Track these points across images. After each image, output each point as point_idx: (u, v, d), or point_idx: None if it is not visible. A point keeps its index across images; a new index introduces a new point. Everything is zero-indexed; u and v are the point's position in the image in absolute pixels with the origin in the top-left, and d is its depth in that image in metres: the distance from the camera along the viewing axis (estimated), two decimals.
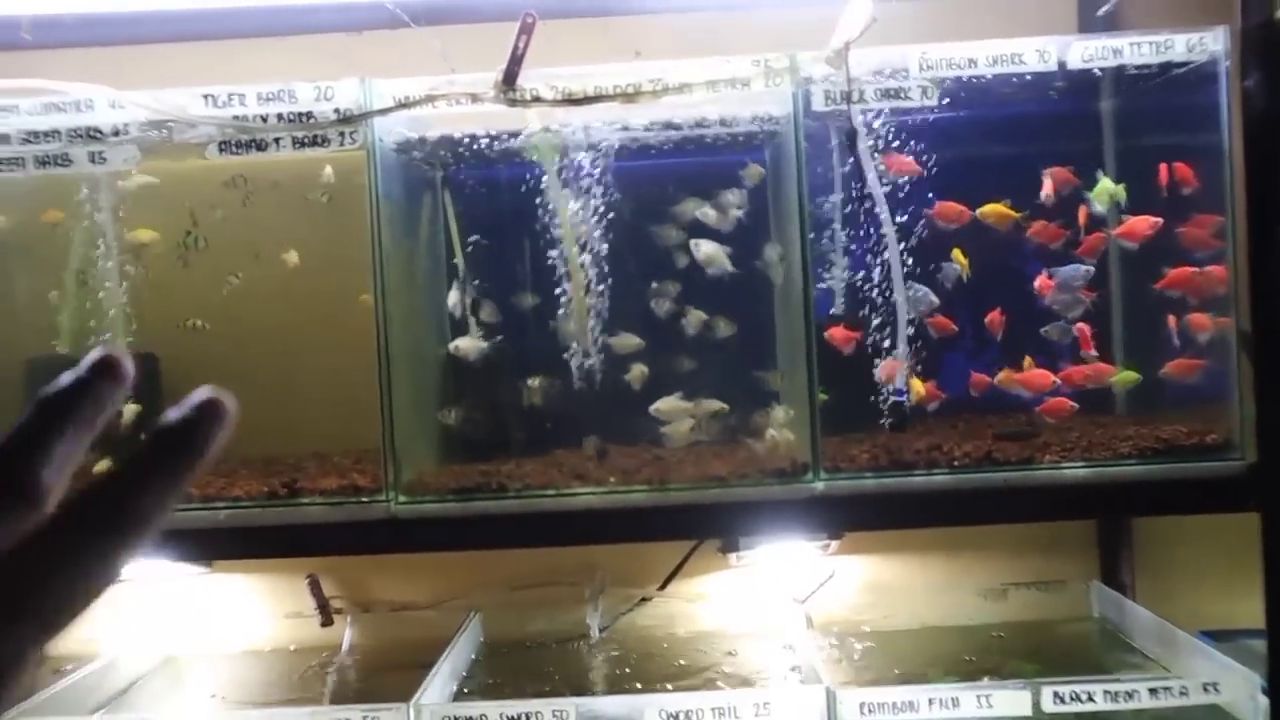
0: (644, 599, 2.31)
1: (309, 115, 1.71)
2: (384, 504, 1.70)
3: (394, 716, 1.73)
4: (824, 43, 1.66)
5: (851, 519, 1.74)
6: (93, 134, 1.72)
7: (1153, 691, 1.65)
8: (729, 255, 1.83)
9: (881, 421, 1.74)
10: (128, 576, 1.90)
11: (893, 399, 1.71)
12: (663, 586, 2.31)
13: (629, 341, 1.80)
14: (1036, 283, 1.81)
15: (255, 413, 1.91)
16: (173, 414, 0.50)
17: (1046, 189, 1.77)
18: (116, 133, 1.72)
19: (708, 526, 1.75)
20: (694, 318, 1.83)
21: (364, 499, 1.71)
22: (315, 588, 2.27)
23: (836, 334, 1.72)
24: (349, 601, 2.32)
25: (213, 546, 1.73)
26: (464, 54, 2.25)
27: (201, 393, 0.51)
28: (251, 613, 2.35)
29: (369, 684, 2.15)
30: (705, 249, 1.83)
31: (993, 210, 1.77)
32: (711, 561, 2.31)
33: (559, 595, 2.30)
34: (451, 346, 1.91)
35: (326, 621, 2.28)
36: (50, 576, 0.45)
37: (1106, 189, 1.77)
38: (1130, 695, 1.66)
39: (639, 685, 2.01)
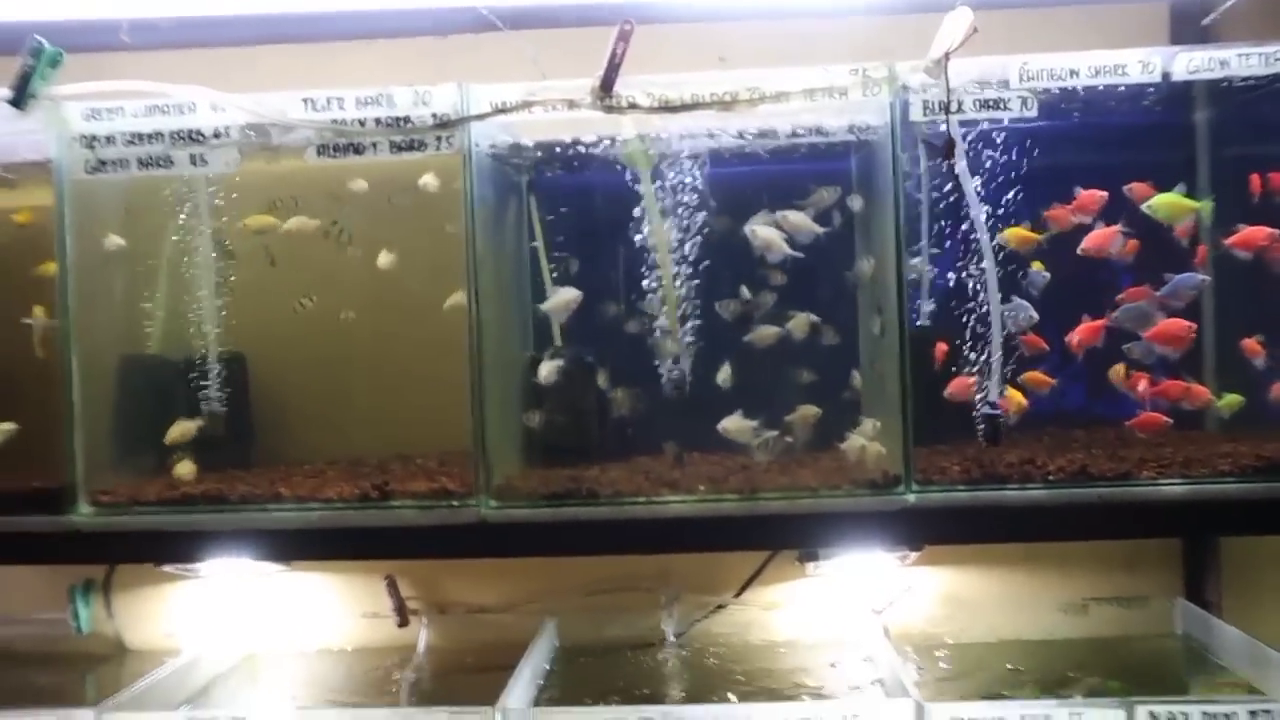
0: (719, 606, 2.30)
1: (406, 120, 1.72)
2: (475, 508, 1.71)
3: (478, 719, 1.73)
4: (898, 53, 1.65)
5: (943, 532, 1.72)
6: (194, 136, 1.74)
7: (1253, 714, 1.62)
8: (800, 249, 1.81)
9: (978, 435, 1.72)
10: (208, 573, 1.93)
11: (986, 412, 1.69)
12: (738, 594, 2.30)
13: (767, 333, 1.79)
14: (1130, 292, 1.80)
15: (340, 414, 1.93)
16: None
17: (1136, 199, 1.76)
18: (217, 135, 1.74)
19: (798, 536, 1.74)
20: (798, 322, 1.82)
21: (455, 503, 1.72)
22: (393, 588, 2.28)
23: (941, 349, 1.70)
24: (425, 603, 2.33)
25: (306, 547, 1.75)
26: (546, 59, 2.27)
27: None
28: (328, 611, 2.37)
29: (446, 685, 2.16)
30: (762, 234, 1.81)
31: (1013, 234, 1.76)
32: (787, 570, 2.30)
33: (633, 601, 2.29)
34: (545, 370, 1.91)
35: (403, 622, 2.29)
36: None
37: (1172, 201, 1.75)
38: (1229, 718, 1.63)
39: (714, 693, 2.00)
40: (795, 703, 1.85)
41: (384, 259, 1.93)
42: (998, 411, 1.68)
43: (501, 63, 2.24)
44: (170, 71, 1.81)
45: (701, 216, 1.82)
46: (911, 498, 1.67)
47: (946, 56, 1.61)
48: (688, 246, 1.81)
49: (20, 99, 1.73)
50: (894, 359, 1.68)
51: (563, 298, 1.84)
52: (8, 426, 1.82)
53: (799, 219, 1.78)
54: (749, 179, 1.87)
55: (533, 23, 2.25)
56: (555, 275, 2.01)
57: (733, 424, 1.79)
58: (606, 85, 1.67)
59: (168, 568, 2.31)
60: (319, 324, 2.03)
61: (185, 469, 1.79)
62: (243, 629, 2.33)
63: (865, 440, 1.76)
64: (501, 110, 1.70)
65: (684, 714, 1.71)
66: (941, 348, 1.71)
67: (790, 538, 1.78)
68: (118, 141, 1.75)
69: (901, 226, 1.66)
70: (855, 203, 1.84)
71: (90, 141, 1.75)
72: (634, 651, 2.25)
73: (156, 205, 1.89)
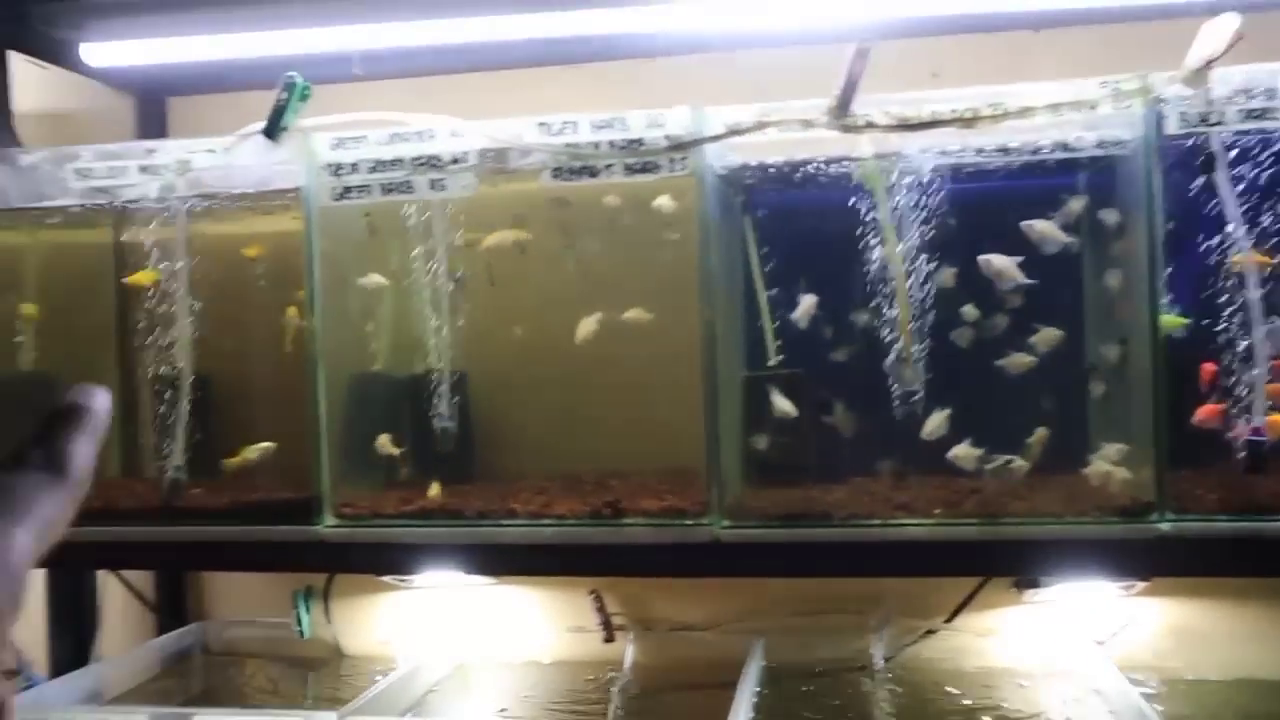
0: (929, 631, 2.25)
1: (639, 142, 1.74)
2: (708, 527, 1.71)
3: None
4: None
5: (1194, 563, 1.64)
6: (433, 162, 1.80)
7: None
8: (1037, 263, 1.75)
9: (1239, 462, 1.64)
10: (421, 584, 2.00)
11: (1250, 438, 1.61)
12: (949, 619, 2.25)
13: (1021, 360, 1.74)
14: None
15: (555, 431, 1.96)
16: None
17: None
18: (455, 160, 1.80)
19: (1038, 563, 1.68)
20: (1044, 337, 1.76)
21: (688, 522, 1.72)
22: (599, 604, 2.31)
23: (1207, 370, 1.63)
24: (630, 619, 2.35)
25: (538, 562, 1.78)
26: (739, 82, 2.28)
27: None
28: (534, 624, 2.41)
29: (654, 703, 2.17)
30: (996, 263, 1.76)
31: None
32: (1001, 596, 2.23)
33: (841, 623, 2.26)
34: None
35: (609, 638, 2.31)
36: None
37: None
38: None
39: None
40: None
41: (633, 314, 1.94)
42: (1262, 438, 1.60)
43: (706, 87, 2.26)
44: (395, 100, 1.88)
45: (932, 235, 1.78)
46: (1165, 526, 1.60)
47: (1209, 65, 1.54)
48: (919, 266, 1.78)
49: (273, 131, 1.82)
50: (1146, 380, 1.61)
51: (806, 305, 1.83)
52: (267, 445, 1.90)
53: (1046, 227, 1.73)
54: (985, 197, 1.82)
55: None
56: (771, 296, 1.99)
57: (961, 452, 1.75)
58: (843, 105, 1.66)
59: (387, 578, 2.40)
60: (536, 343, 2.06)
61: (434, 490, 1.84)
62: (453, 639, 2.39)
63: (1109, 465, 1.70)
64: (736, 132, 1.71)
65: None
66: (1209, 368, 1.64)
67: (1030, 564, 1.73)
68: (361, 169, 1.82)
69: (1157, 243, 1.60)
70: (1110, 216, 1.77)
71: (336, 169, 1.82)
72: (842, 674, 2.22)
73: (393, 229, 1.95)
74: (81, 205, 1.92)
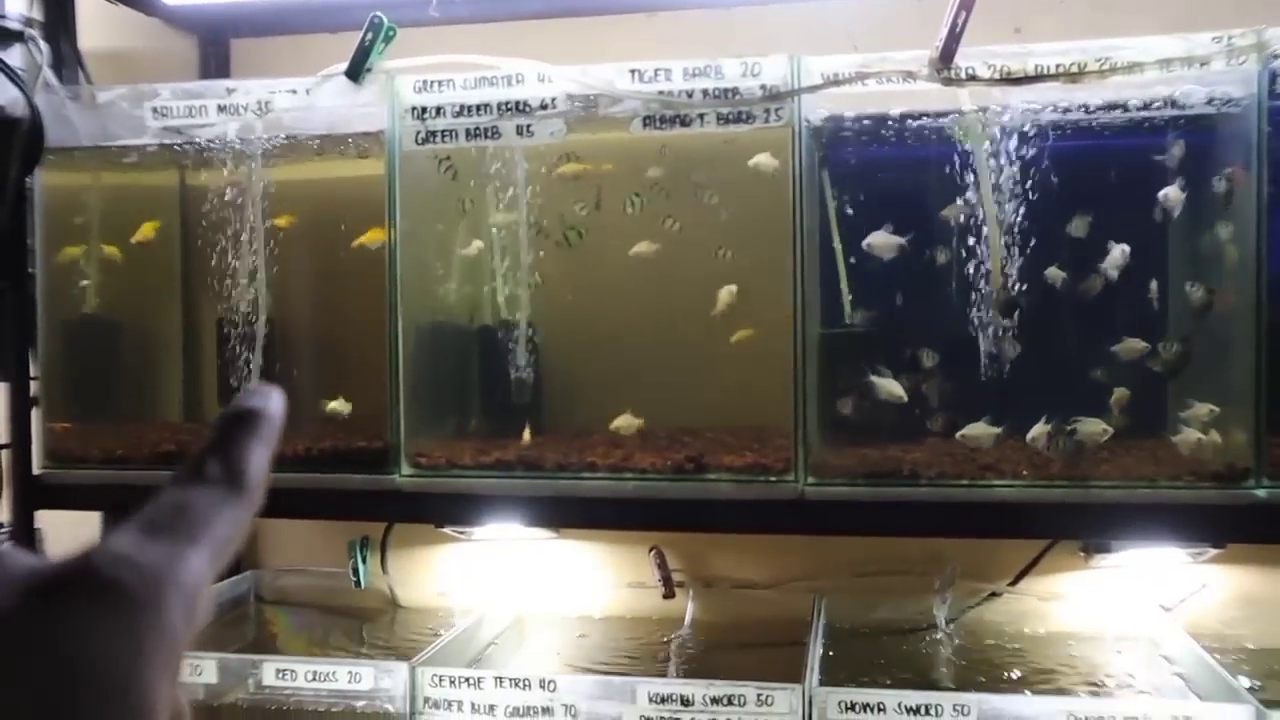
0: (993, 594, 2.24)
1: (735, 91, 1.71)
2: (793, 484, 1.70)
3: (787, 696, 1.73)
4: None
5: None
6: (521, 107, 1.77)
7: None
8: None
9: None
10: (480, 536, 1.99)
11: None
12: (1013, 582, 2.24)
13: (1133, 346, 1.71)
14: None
15: (623, 387, 1.93)
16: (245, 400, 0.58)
17: None
18: (544, 106, 1.76)
19: (1129, 527, 1.66)
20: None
21: (772, 478, 1.71)
22: (660, 560, 2.30)
23: None
24: (690, 576, 2.34)
25: (619, 516, 1.77)
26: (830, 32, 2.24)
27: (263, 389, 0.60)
28: (593, 579, 2.40)
29: (715, 659, 2.17)
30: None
31: None
32: (1067, 560, 2.22)
33: (903, 584, 2.25)
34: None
35: (669, 594, 2.30)
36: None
37: None
38: None
39: (1002, 683, 1.95)
40: (1122, 699, 1.79)
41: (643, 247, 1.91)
42: None
43: (784, 36, 2.22)
44: (468, 45, 1.85)
45: (1029, 192, 1.75)
46: (1261, 493, 1.58)
47: None
48: (1013, 224, 1.75)
49: (357, 72, 1.79)
50: (1248, 341, 1.59)
51: (889, 241, 1.78)
52: (340, 405, 1.89)
53: (1175, 195, 1.69)
54: (1084, 153, 1.79)
55: None
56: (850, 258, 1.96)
57: (974, 431, 1.73)
58: (946, 56, 1.63)
59: (447, 529, 2.39)
60: (610, 297, 2.03)
61: (527, 437, 1.83)
62: (511, 592, 2.38)
63: (1199, 430, 1.68)
64: (835, 83, 1.67)
65: (998, 704, 1.66)
66: None
67: (1117, 528, 1.71)
68: (446, 113, 1.79)
69: (1264, 201, 1.57)
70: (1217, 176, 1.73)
71: (420, 113, 1.79)
72: (905, 635, 2.22)
73: (470, 177, 1.92)
74: (163, 144, 1.89)
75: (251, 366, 1.92)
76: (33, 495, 1.89)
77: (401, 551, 2.46)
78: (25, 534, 1.89)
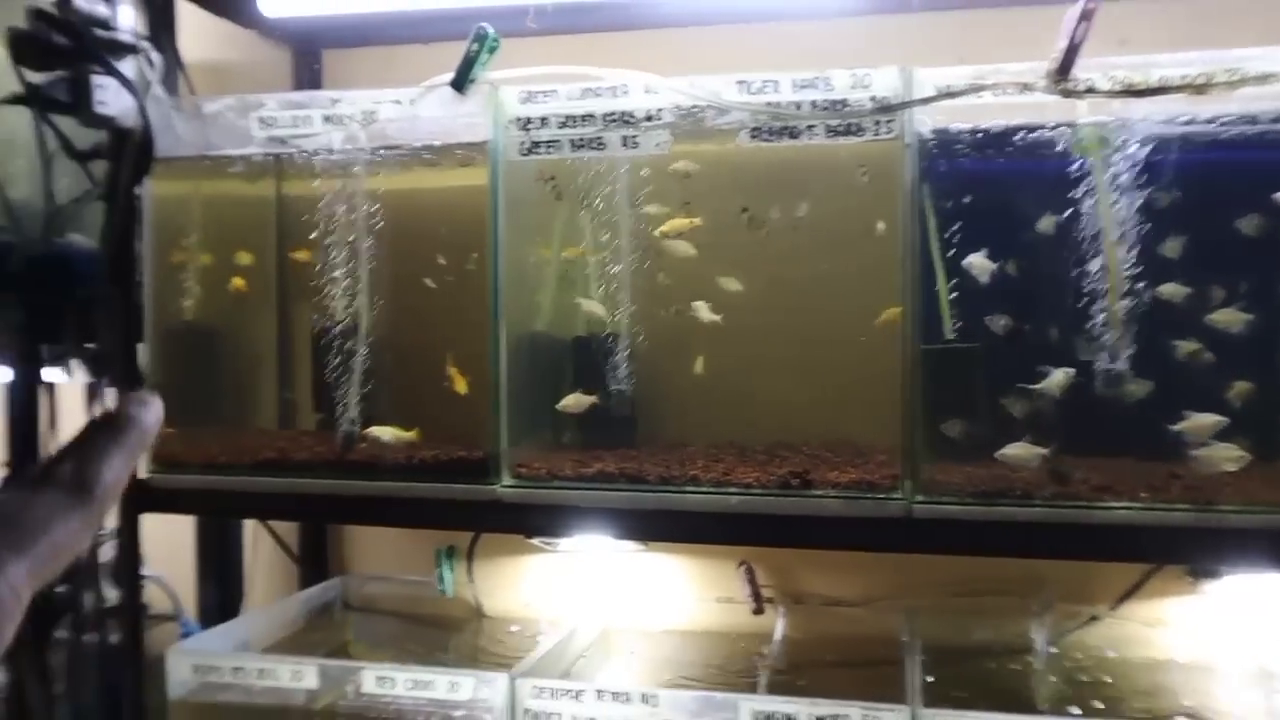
0: (1093, 618, 2.19)
1: (844, 103, 1.68)
2: (902, 502, 1.67)
3: (894, 718, 1.69)
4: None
5: None
6: (626, 119, 1.76)
7: None
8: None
9: None
10: (567, 548, 1.97)
11: None
12: (1114, 607, 2.18)
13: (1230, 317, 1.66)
14: None
15: (717, 399, 1.90)
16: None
17: None
18: (649, 118, 1.75)
19: (1255, 553, 1.61)
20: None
21: (880, 495, 1.68)
22: (750, 575, 2.27)
23: None
24: (780, 592, 2.31)
25: (720, 530, 1.74)
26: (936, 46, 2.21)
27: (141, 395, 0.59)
28: (680, 593, 2.39)
29: (807, 677, 2.13)
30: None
31: None
32: (1172, 585, 2.16)
33: (998, 605, 2.21)
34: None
35: (758, 609, 2.27)
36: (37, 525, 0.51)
37: None
38: None
39: (1110, 710, 1.90)
40: None
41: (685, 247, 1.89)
42: None
43: (885, 48, 2.20)
44: (564, 56, 1.84)
45: (1147, 206, 1.70)
46: None
47: None
48: (1132, 238, 1.70)
49: (461, 82, 1.79)
50: None
51: (985, 264, 1.75)
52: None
53: None
54: (1205, 167, 1.74)
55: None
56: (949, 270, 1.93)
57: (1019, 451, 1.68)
58: (1064, 68, 1.59)
59: (535, 540, 2.38)
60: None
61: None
62: (597, 604, 2.37)
63: None
64: (948, 94, 1.64)
65: None
66: None
67: (1240, 553, 1.65)
68: (551, 124, 1.78)
69: None
70: None
71: (525, 124, 1.79)
72: (1001, 658, 2.17)
73: (573, 190, 1.91)
74: (267, 154, 1.91)
75: (350, 376, 1.92)
76: (139, 499, 1.91)
77: (488, 561, 2.46)
78: (130, 537, 1.92)
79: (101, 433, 0.56)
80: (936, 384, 1.83)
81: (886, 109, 1.66)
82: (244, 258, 2.11)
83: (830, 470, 1.75)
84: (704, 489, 1.75)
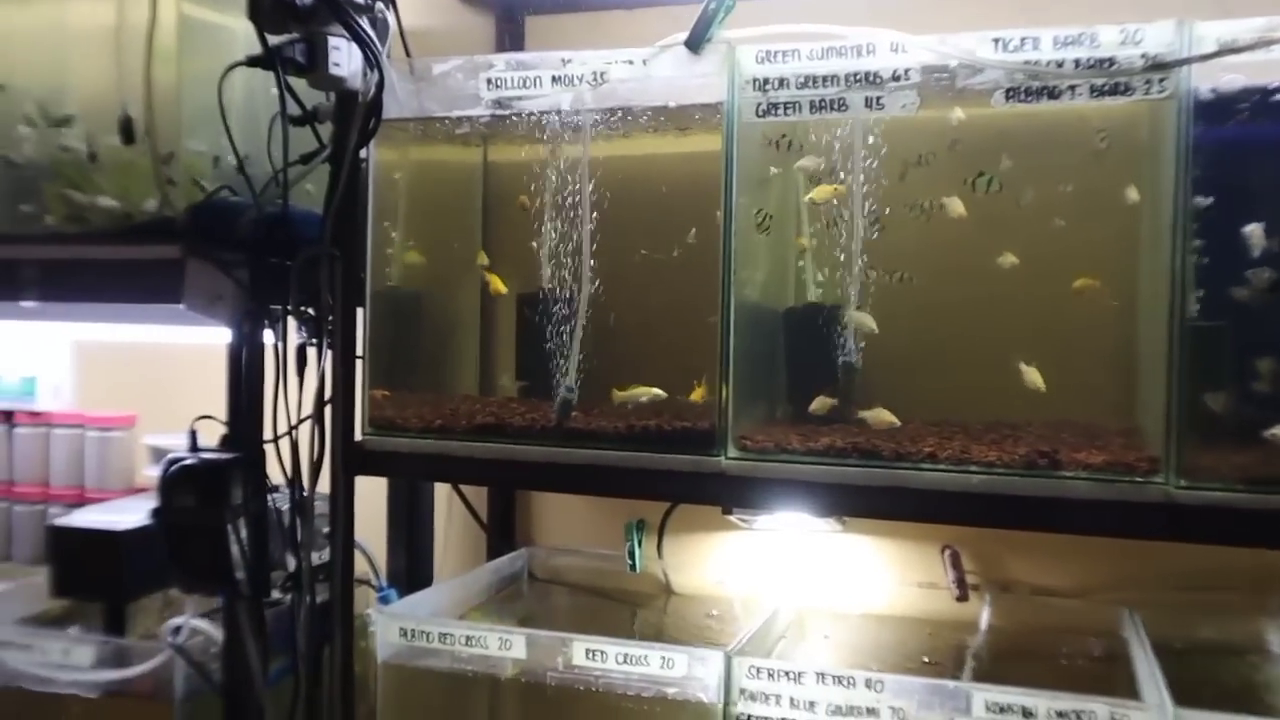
0: None
1: (1111, 61, 1.59)
2: (1161, 486, 1.57)
3: (1145, 717, 1.60)
4: None
5: None
6: (872, 79, 1.69)
7: None
8: None
9: None
10: (762, 526, 1.90)
11: None
12: None
13: None
14: None
15: (933, 375, 1.79)
16: None
17: None
18: (895, 77, 1.68)
19: None
20: None
21: (1138, 479, 1.58)
22: (955, 560, 2.19)
23: None
24: (985, 579, 2.23)
25: (960, 510, 1.67)
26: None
27: None
28: (878, 576, 2.32)
29: (1012, 669, 2.03)
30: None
31: None
32: None
33: (1227, 601, 2.08)
34: None
35: (963, 596, 2.19)
36: None
37: None
38: None
39: None
40: None
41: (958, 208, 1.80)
42: None
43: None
44: (796, 13, 1.77)
45: None
46: None
47: None
48: None
49: (698, 42, 1.74)
50: None
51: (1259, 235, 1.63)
52: (658, 393, 1.87)
53: None
54: None
55: None
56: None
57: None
58: None
59: (732, 516, 2.34)
60: (939, 283, 1.93)
61: (884, 417, 1.76)
62: (791, 585, 2.32)
63: None
64: (1233, 50, 1.53)
65: None
66: None
67: None
68: (790, 85, 1.72)
69: None
70: None
71: (762, 85, 1.73)
72: (1233, 658, 2.05)
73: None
74: (495, 115, 1.89)
75: (571, 343, 1.90)
76: (355, 461, 1.92)
77: (678, 537, 2.42)
78: (347, 499, 1.93)
79: None
80: (1204, 363, 1.72)
81: (1160, 66, 1.56)
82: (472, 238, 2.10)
83: (1077, 451, 1.66)
84: (941, 467, 1.67)
